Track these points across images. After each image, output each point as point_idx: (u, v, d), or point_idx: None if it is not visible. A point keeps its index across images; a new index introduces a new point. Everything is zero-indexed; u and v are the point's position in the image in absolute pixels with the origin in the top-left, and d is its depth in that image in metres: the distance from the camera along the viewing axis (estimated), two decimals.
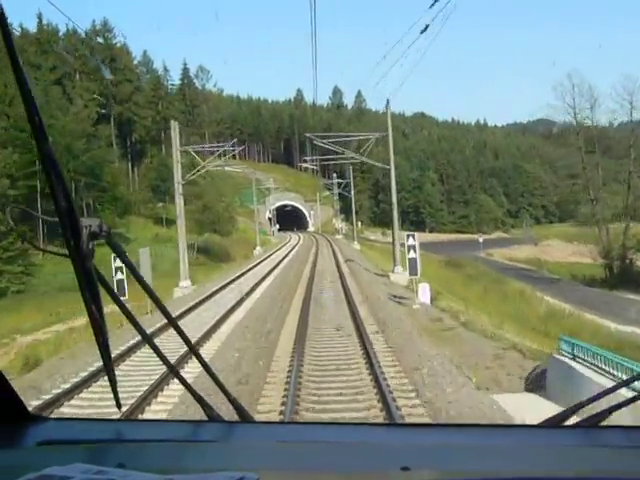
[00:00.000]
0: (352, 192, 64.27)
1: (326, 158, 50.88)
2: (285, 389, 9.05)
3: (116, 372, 1.25)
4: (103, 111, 70.97)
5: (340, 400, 8.68)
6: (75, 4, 49.92)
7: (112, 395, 1.19)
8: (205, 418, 1.29)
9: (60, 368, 11.40)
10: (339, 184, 75.52)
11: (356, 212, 69.44)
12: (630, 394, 1.31)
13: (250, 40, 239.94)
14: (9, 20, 0.86)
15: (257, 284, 24.55)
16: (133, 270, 1.15)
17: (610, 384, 6.47)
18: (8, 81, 41.85)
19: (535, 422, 1.29)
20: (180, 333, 1.24)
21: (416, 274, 18.65)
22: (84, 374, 10.43)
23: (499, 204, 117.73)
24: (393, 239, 28.87)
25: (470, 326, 13.93)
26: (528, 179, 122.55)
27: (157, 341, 9.30)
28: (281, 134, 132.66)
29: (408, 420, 7.20)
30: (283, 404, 8.33)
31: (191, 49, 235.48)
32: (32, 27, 73.79)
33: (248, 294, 21.14)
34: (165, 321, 13.37)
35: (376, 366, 9.78)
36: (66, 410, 8.85)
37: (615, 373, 8.52)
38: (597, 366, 9.09)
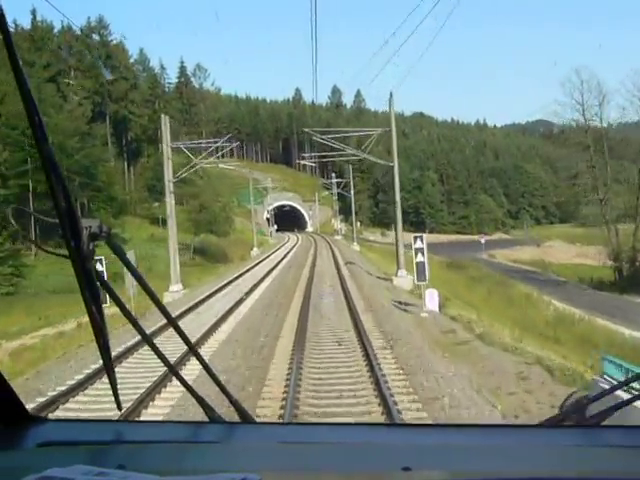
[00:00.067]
0: (352, 191, 62.94)
1: (325, 155, 49.83)
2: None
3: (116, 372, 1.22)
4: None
5: None
6: (71, 1, 48.69)
7: (112, 396, 1.18)
8: (206, 419, 1.27)
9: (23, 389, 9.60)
10: (338, 184, 74.29)
11: (355, 212, 68.21)
12: (630, 394, 1.29)
13: (249, 40, 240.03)
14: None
15: (252, 288, 23.30)
16: (133, 270, 1.15)
17: None
18: None
19: None
20: (180, 333, 1.23)
21: (424, 280, 17.04)
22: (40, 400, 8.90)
23: (499, 204, 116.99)
24: (397, 240, 27.19)
25: (487, 339, 12.67)
26: (528, 179, 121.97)
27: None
28: (279, 134, 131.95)
29: None
30: None
31: (189, 48, 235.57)
32: (26, 24, 72.86)
33: (243, 299, 20.02)
34: (158, 324, 12.13)
35: (387, 395, 8.31)
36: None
37: None
38: None
